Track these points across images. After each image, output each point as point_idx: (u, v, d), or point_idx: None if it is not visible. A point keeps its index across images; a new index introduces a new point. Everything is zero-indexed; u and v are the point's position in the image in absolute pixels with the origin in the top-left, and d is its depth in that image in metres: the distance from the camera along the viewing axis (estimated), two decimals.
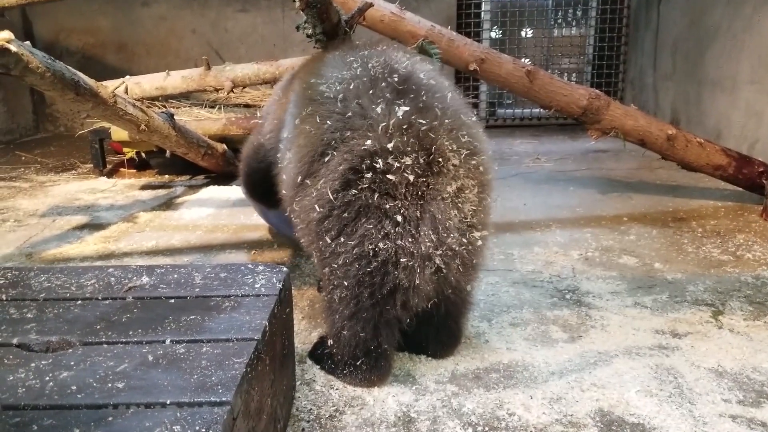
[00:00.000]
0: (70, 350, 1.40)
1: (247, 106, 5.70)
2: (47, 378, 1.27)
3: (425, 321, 2.06)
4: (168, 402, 1.18)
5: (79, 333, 1.47)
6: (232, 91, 5.02)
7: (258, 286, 1.74)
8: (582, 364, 2.14)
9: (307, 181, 1.92)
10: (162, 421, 1.12)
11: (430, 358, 2.17)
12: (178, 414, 1.14)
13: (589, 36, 7.94)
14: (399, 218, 1.81)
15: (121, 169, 5.49)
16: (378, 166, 1.80)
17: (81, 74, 3.04)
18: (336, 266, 1.87)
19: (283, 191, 2.12)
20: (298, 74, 2.47)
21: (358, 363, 1.96)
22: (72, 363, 1.33)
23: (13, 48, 2.48)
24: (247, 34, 7.77)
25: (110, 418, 1.13)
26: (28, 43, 2.66)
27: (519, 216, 3.92)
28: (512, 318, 2.49)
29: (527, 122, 7.92)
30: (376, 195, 1.81)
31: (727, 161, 4.05)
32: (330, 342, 2.01)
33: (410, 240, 1.82)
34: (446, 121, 1.90)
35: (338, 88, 1.97)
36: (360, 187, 1.82)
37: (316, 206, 1.87)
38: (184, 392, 1.21)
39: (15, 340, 1.43)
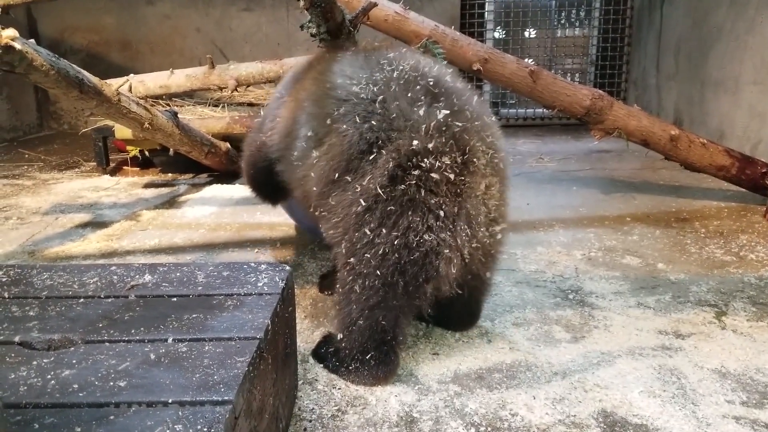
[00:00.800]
0: (72, 348, 1.40)
1: (250, 104, 5.70)
2: (49, 376, 1.26)
3: (447, 301, 2.14)
4: (170, 401, 1.18)
5: (81, 331, 1.47)
6: (236, 90, 5.02)
7: (261, 284, 1.74)
8: (585, 364, 2.13)
9: (347, 177, 1.98)
10: (164, 419, 1.12)
11: (433, 358, 2.17)
12: (180, 413, 1.14)
13: (593, 36, 7.94)
14: (441, 213, 1.92)
15: (125, 167, 5.49)
16: (424, 164, 1.91)
17: (85, 72, 3.05)
18: (369, 256, 1.94)
19: (313, 188, 2.13)
20: (309, 74, 2.46)
21: (366, 357, 1.98)
22: (74, 361, 1.33)
23: (17, 46, 2.48)
24: (251, 33, 7.78)
25: (112, 417, 1.13)
26: (32, 40, 2.66)
27: (522, 216, 3.91)
28: (515, 318, 2.49)
29: (530, 122, 7.92)
30: (422, 191, 1.91)
31: (730, 162, 4.04)
32: (340, 335, 2.03)
33: (449, 233, 1.94)
34: (476, 123, 2.02)
35: (375, 89, 2.03)
36: (407, 183, 1.91)
37: (361, 200, 1.93)
38: (186, 391, 1.21)
39: (17, 338, 1.43)
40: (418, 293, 1.98)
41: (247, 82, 4.99)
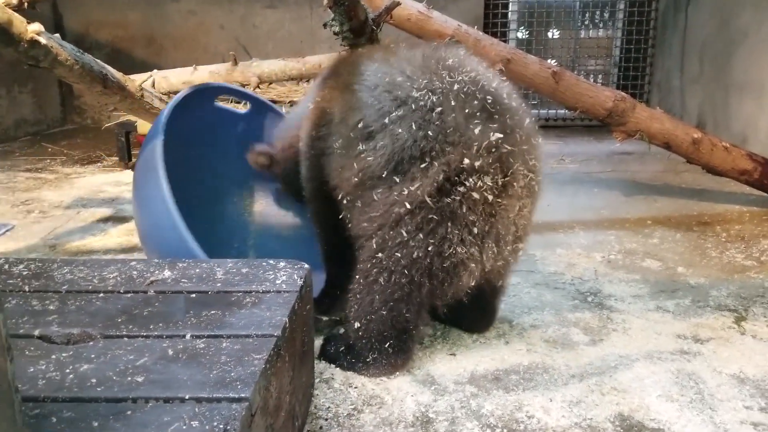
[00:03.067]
0: (91, 343, 1.41)
1: (273, 102, 5.71)
2: (68, 370, 1.27)
3: (463, 302, 2.17)
4: (187, 397, 1.18)
5: (100, 326, 1.48)
6: (258, 87, 5.03)
7: (279, 282, 1.74)
8: (602, 367, 2.12)
9: (395, 178, 1.99)
10: (180, 416, 1.12)
11: (450, 358, 2.17)
12: (197, 409, 1.15)
13: (616, 38, 7.86)
14: (475, 230, 1.98)
15: None
16: (468, 183, 1.95)
17: (109, 67, 3.07)
18: (399, 255, 1.99)
19: (352, 177, 2.09)
20: (363, 62, 2.28)
21: (385, 346, 2.04)
22: (92, 356, 1.34)
23: (42, 40, 2.50)
24: (274, 30, 7.79)
25: (129, 412, 1.14)
26: (57, 35, 2.69)
27: (542, 217, 3.88)
28: (533, 320, 2.48)
29: (552, 123, 7.87)
30: (464, 207, 1.96)
31: (753, 166, 4.01)
32: (357, 324, 2.06)
33: (477, 249, 2.01)
34: (523, 147, 2.05)
35: (434, 99, 2.00)
36: (452, 197, 1.95)
37: (406, 203, 1.97)
38: (203, 387, 1.21)
39: (37, 332, 1.44)
40: (440, 296, 2.06)
41: (270, 79, 5.00)
